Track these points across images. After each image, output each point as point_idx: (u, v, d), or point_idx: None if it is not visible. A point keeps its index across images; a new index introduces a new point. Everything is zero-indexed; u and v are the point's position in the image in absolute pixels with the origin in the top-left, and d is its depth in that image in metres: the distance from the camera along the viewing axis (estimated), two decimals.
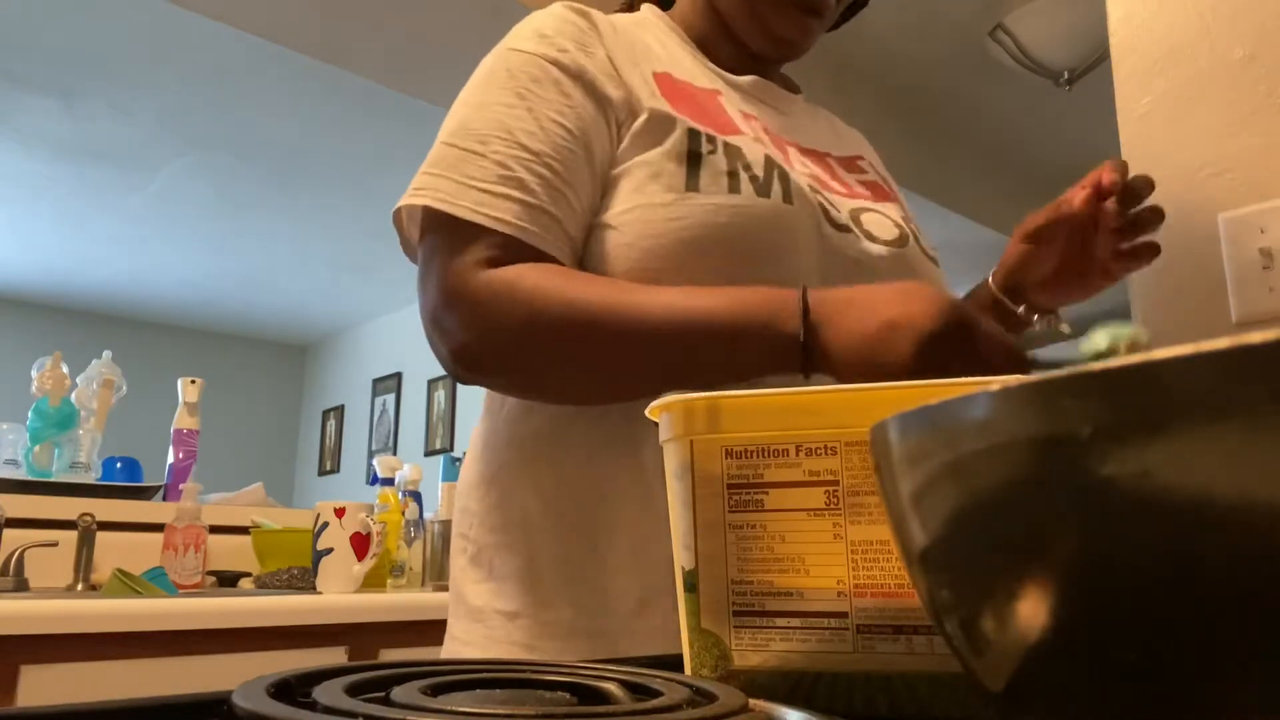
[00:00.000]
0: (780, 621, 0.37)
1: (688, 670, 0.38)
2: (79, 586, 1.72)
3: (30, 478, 1.88)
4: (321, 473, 6.10)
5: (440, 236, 0.68)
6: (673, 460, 0.39)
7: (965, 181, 3.47)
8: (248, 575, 1.94)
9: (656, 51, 0.78)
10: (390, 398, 5.61)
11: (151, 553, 1.80)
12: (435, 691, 0.27)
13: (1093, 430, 0.18)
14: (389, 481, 2.08)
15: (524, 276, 0.64)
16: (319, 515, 1.70)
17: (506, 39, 0.75)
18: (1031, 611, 0.20)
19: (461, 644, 0.73)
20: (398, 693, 0.26)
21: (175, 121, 3.41)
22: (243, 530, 2.03)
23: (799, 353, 0.58)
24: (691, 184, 0.68)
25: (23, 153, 3.65)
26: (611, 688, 0.28)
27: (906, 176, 3.14)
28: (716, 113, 0.75)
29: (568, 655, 0.66)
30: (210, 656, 1.36)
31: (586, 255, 0.70)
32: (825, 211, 0.73)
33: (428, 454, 5.14)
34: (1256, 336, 0.16)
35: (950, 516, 0.22)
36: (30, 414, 1.93)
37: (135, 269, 5.00)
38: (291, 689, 0.26)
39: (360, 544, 1.69)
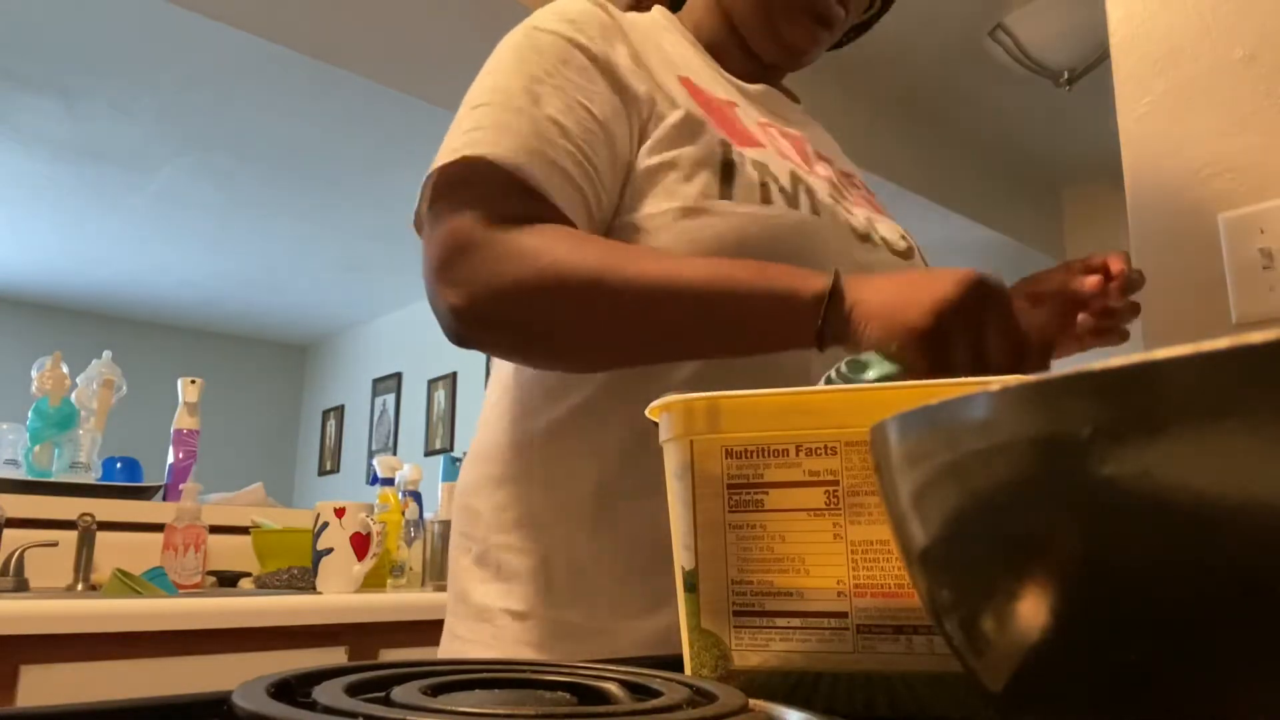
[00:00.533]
0: (780, 621, 0.37)
1: (688, 670, 0.38)
2: (79, 586, 1.72)
3: (30, 478, 1.88)
4: (321, 473, 6.10)
5: (459, 191, 0.66)
6: (673, 460, 0.39)
7: (965, 181, 3.47)
8: (248, 575, 1.94)
9: (674, 58, 0.78)
10: (390, 398, 5.61)
11: (151, 553, 1.80)
12: (435, 691, 0.27)
13: (1093, 430, 0.18)
14: (389, 481, 2.08)
15: (534, 232, 0.63)
16: (319, 515, 1.70)
17: (531, 19, 0.74)
18: (1031, 611, 0.20)
19: (465, 643, 0.72)
20: (398, 693, 0.26)
21: (175, 121, 3.41)
22: (243, 530, 2.03)
23: (818, 315, 0.57)
24: (725, 192, 0.68)
25: (23, 153, 3.65)
26: (611, 688, 0.28)
27: (906, 176, 3.15)
28: (736, 125, 0.75)
29: (580, 656, 0.65)
30: (210, 656, 1.36)
31: None
32: (848, 222, 0.75)
33: (428, 454, 5.14)
34: (1256, 336, 0.16)
35: (950, 516, 0.22)
36: (30, 414, 1.93)
37: (135, 269, 5.00)
38: (291, 689, 0.26)
39: (360, 544, 1.69)
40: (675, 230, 0.67)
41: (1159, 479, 0.17)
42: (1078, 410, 0.18)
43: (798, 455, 0.37)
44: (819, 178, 0.77)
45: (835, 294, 0.57)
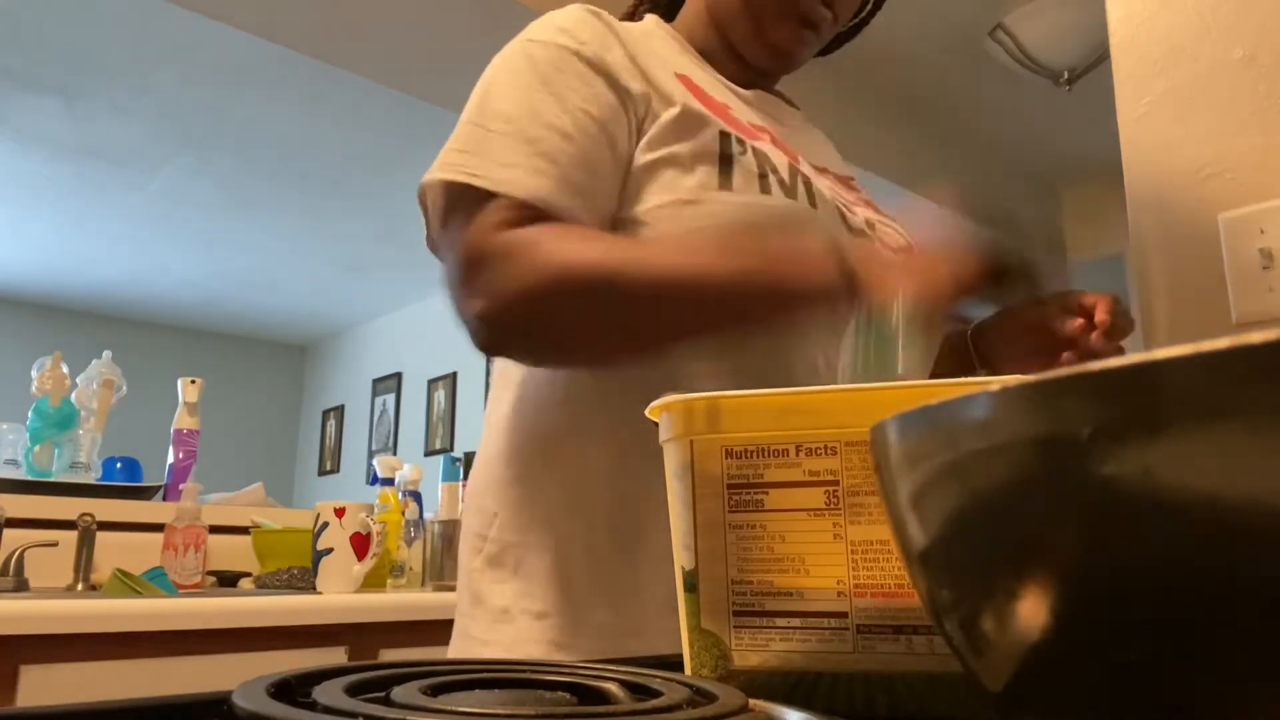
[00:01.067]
0: (780, 621, 0.37)
1: (688, 670, 0.38)
2: (79, 586, 1.72)
3: (30, 478, 1.88)
4: (321, 473, 6.10)
5: (465, 211, 0.67)
6: (673, 460, 0.39)
7: (965, 181, 3.46)
8: (248, 575, 1.94)
9: (669, 58, 0.79)
10: (390, 398, 5.61)
11: (151, 553, 1.80)
12: (435, 691, 0.27)
13: (1093, 430, 0.18)
14: (389, 481, 2.08)
15: (545, 233, 0.64)
16: (319, 515, 1.70)
17: (524, 33, 0.75)
18: (1031, 611, 0.20)
19: (483, 644, 0.72)
20: (398, 693, 0.26)
21: (175, 121, 3.41)
22: (243, 530, 2.03)
23: (837, 299, 0.62)
24: (724, 183, 0.69)
25: (23, 153, 3.65)
26: (611, 688, 0.28)
27: (906, 176, 3.15)
28: (736, 121, 0.76)
29: (603, 654, 0.65)
30: (210, 656, 1.36)
31: None
32: (844, 216, 0.75)
33: (428, 454, 5.14)
34: (1256, 336, 0.16)
35: (950, 516, 0.22)
36: (30, 414, 1.93)
37: (135, 269, 5.00)
38: (291, 689, 0.26)
39: (360, 544, 1.69)
40: (675, 221, 0.68)
41: (1159, 479, 0.17)
42: (1078, 410, 0.18)
43: (798, 455, 0.37)
44: (815, 170, 0.79)
45: (844, 274, 0.62)
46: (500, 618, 0.71)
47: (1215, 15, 0.97)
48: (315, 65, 2.39)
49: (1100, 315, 0.76)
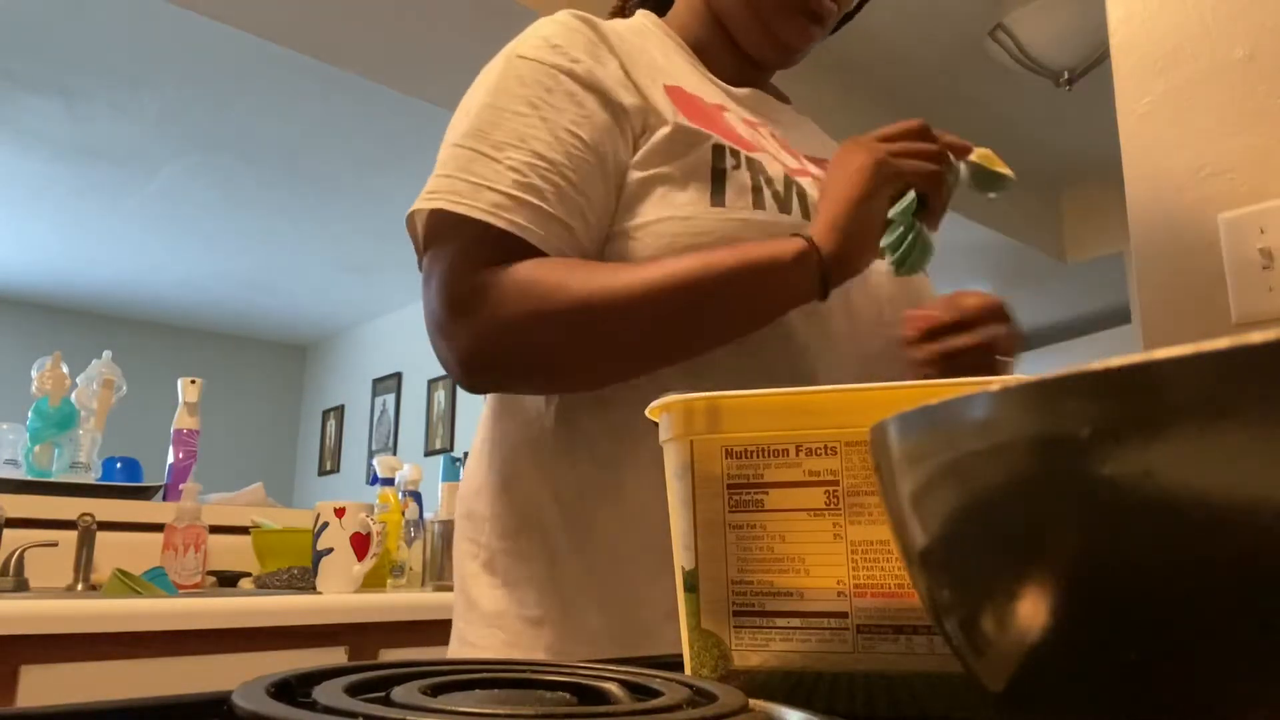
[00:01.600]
0: (780, 621, 0.37)
1: (688, 670, 0.38)
2: (79, 586, 1.72)
3: (30, 478, 1.88)
4: (321, 473, 6.10)
5: (449, 241, 0.67)
6: (673, 460, 0.39)
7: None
8: (248, 575, 1.94)
9: (661, 64, 0.78)
10: (390, 398, 5.61)
11: (151, 553, 1.80)
12: (435, 691, 0.27)
13: (1093, 430, 0.18)
14: (389, 481, 2.08)
15: (520, 269, 0.64)
16: (319, 515, 1.70)
17: (513, 45, 0.73)
18: (1031, 611, 0.20)
19: (474, 649, 0.72)
20: (398, 693, 0.26)
21: (175, 121, 3.41)
22: (243, 530, 2.03)
23: (812, 272, 0.64)
24: (717, 199, 0.69)
25: (23, 153, 3.65)
26: (611, 688, 0.28)
27: None
28: (728, 129, 0.75)
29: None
30: (210, 656, 1.36)
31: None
32: None
33: (428, 454, 5.14)
34: (1256, 336, 0.16)
35: (950, 516, 0.22)
36: (30, 414, 1.93)
37: (135, 269, 5.00)
38: (291, 689, 0.26)
39: (360, 544, 1.69)
40: (667, 238, 0.68)
41: (1159, 479, 0.17)
42: (1078, 410, 0.18)
43: (798, 455, 0.37)
44: (810, 178, 0.77)
45: (826, 252, 0.64)
46: (494, 622, 0.71)
47: (1215, 15, 0.97)
48: (315, 65, 2.40)
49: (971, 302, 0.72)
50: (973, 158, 0.69)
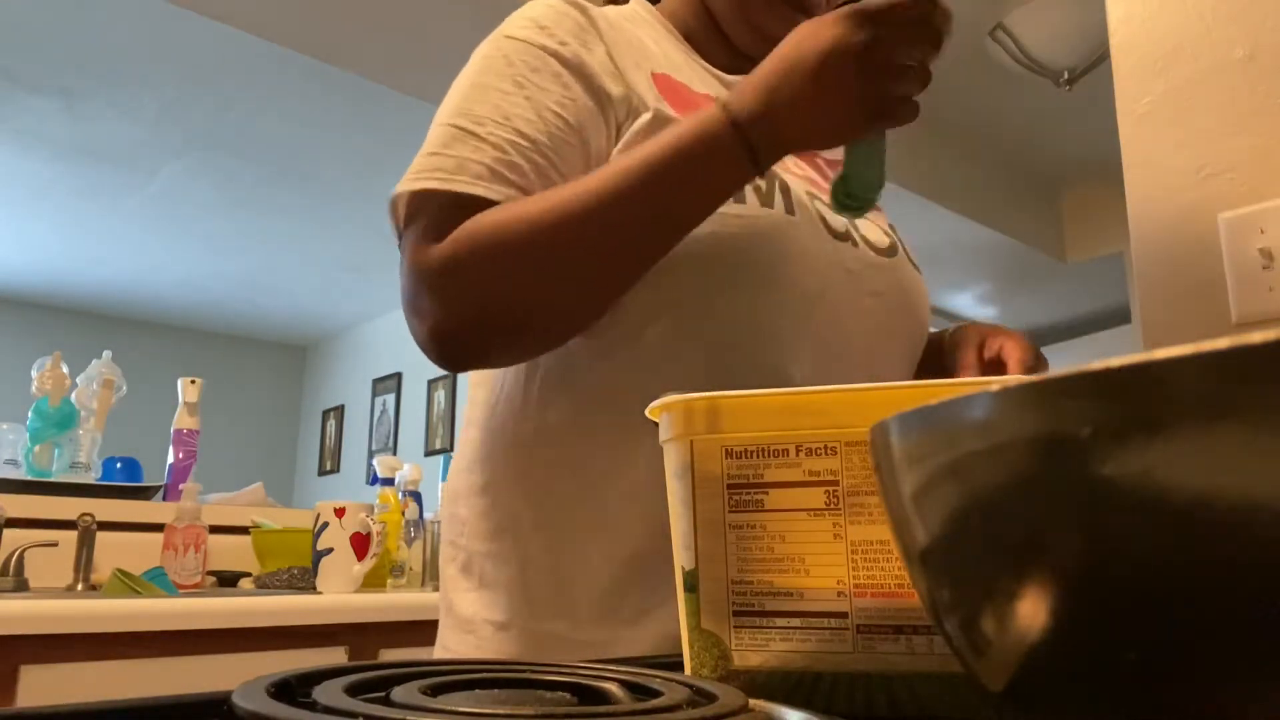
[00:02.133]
0: (780, 621, 0.37)
1: (688, 670, 0.38)
2: (79, 586, 1.72)
3: (30, 478, 1.88)
4: (321, 473, 6.10)
5: (425, 217, 0.66)
6: (673, 460, 0.39)
7: (966, 181, 3.47)
8: (248, 575, 1.94)
9: (652, 50, 0.77)
10: (390, 398, 5.61)
11: (151, 553, 1.80)
12: (435, 691, 0.27)
13: (1093, 430, 0.18)
14: (389, 481, 2.08)
15: (476, 219, 0.63)
16: (319, 515, 1.70)
17: (502, 27, 0.73)
18: (1032, 611, 0.20)
19: (450, 654, 0.72)
20: (398, 693, 0.26)
21: (175, 121, 3.41)
22: (243, 530, 2.03)
23: (744, 145, 0.60)
24: None
25: (23, 153, 3.65)
26: (611, 688, 0.28)
27: (906, 176, 3.15)
28: None
29: None
30: (210, 656, 1.36)
31: None
32: (824, 220, 0.73)
33: (428, 454, 5.14)
34: (1256, 336, 0.16)
35: (950, 516, 0.22)
36: (30, 414, 1.93)
37: (135, 269, 5.00)
38: (291, 689, 0.26)
39: (360, 544, 1.69)
40: None
41: (1159, 479, 0.17)
42: (1078, 410, 0.18)
43: (798, 455, 0.37)
44: (795, 176, 0.76)
45: (745, 117, 0.60)
46: (466, 627, 0.71)
47: (1215, 15, 0.97)
48: (315, 65, 2.40)
49: (1012, 367, 0.73)
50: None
